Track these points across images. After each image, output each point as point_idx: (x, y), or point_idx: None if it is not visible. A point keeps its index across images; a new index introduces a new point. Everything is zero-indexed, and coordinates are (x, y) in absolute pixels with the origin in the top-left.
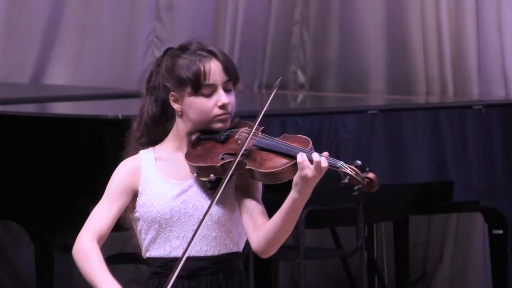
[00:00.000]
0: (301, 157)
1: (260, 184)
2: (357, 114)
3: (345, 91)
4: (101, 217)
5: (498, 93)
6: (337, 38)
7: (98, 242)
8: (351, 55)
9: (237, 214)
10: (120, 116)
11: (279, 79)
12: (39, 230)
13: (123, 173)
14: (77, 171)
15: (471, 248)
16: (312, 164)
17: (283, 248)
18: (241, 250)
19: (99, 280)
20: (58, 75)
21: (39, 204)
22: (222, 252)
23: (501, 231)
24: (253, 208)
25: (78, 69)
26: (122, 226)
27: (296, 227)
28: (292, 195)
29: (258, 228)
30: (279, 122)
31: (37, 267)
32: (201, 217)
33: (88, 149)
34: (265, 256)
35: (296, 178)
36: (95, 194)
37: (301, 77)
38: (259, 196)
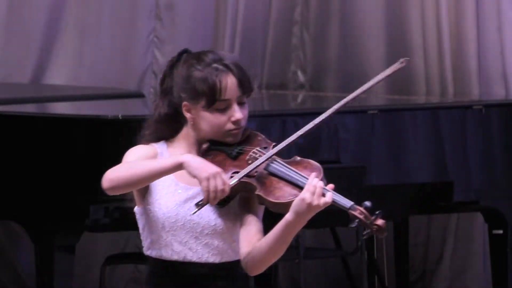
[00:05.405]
0: (312, 183)
1: None
2: (357, 114)
3: (345, 91)
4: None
5: (498, 93)
6: (337, 38)
7: None
8: (351, 55)
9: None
10: (120, 116)
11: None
12: (39, 230)
13: (139, 155)
14: (77, 171)
15: (471, 248)
16: (318, 194)
17: None
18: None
19: (156, 162)
20: (58, 75)
21: (39, 204)
22: (223, 260)
23: (501, 231)
24: (250, 223)
25: (78, 69)
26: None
27: None
28: (287, 217)
29: (250, 245)
30: (279, 122)
31: (37, 267)
32: (206, 226)
33: (88, 149)
34: (251, 274)
35: (297, 201)
36: (95, 194)
37: (301, 77)
38: (261, 213)
